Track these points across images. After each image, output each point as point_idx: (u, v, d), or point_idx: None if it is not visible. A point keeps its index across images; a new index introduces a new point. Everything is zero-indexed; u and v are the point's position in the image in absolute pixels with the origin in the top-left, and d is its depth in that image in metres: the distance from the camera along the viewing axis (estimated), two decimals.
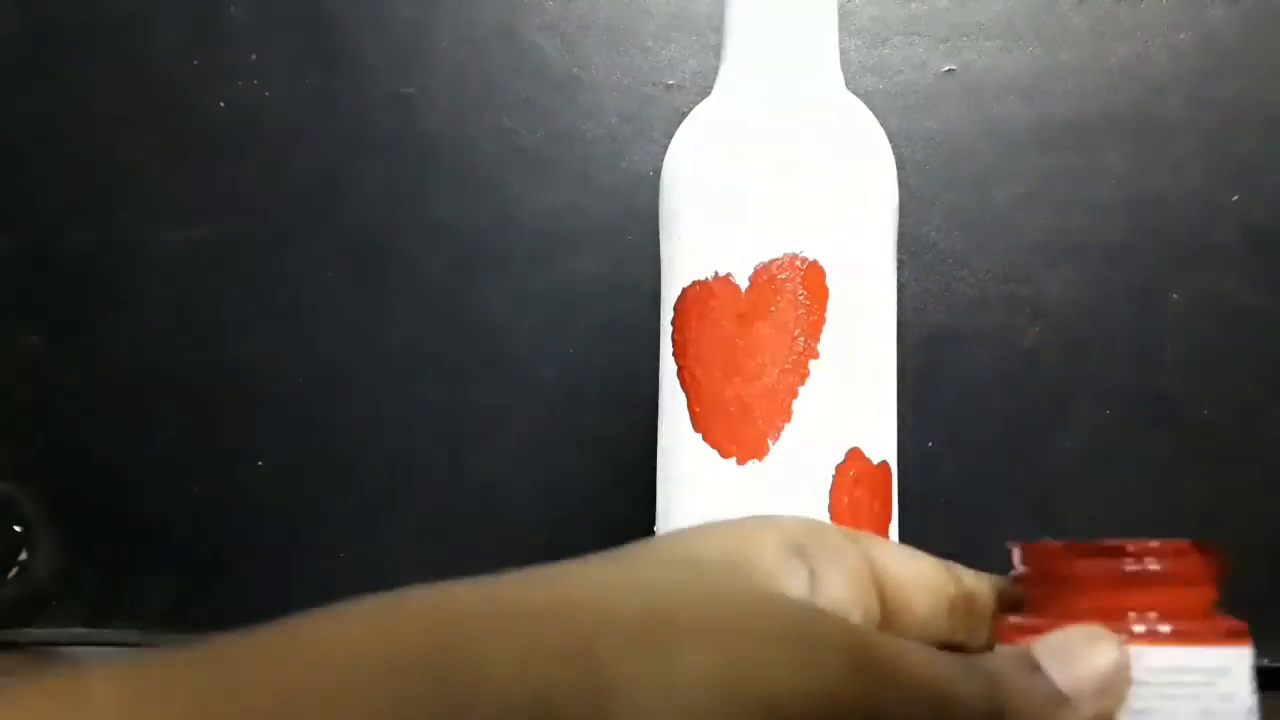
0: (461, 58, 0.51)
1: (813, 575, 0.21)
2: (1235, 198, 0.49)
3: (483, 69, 0.51)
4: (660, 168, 0.37)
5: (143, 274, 0.52)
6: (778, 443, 0.33)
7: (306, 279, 0.51)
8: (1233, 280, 0.49)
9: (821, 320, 0.33)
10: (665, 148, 0.37)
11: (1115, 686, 0.20)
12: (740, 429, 0.33)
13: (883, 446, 0.34)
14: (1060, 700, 0.19)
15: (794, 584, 0.21)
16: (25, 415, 0.52)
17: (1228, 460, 0.49)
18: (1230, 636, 0.21)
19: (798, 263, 0.33)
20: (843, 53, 0.38)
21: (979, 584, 0.23)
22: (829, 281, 0.33)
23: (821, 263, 0.33)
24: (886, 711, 0.18)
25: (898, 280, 0.37)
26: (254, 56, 0.52)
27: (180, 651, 0.17)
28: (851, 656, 0.18)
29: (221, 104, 0.52)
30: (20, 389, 0.52)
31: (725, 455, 0.33)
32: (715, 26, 0.38)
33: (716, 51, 0.37)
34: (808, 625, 0.19)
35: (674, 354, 0.35)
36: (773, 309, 0.33)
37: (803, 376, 0.33)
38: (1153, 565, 0.21)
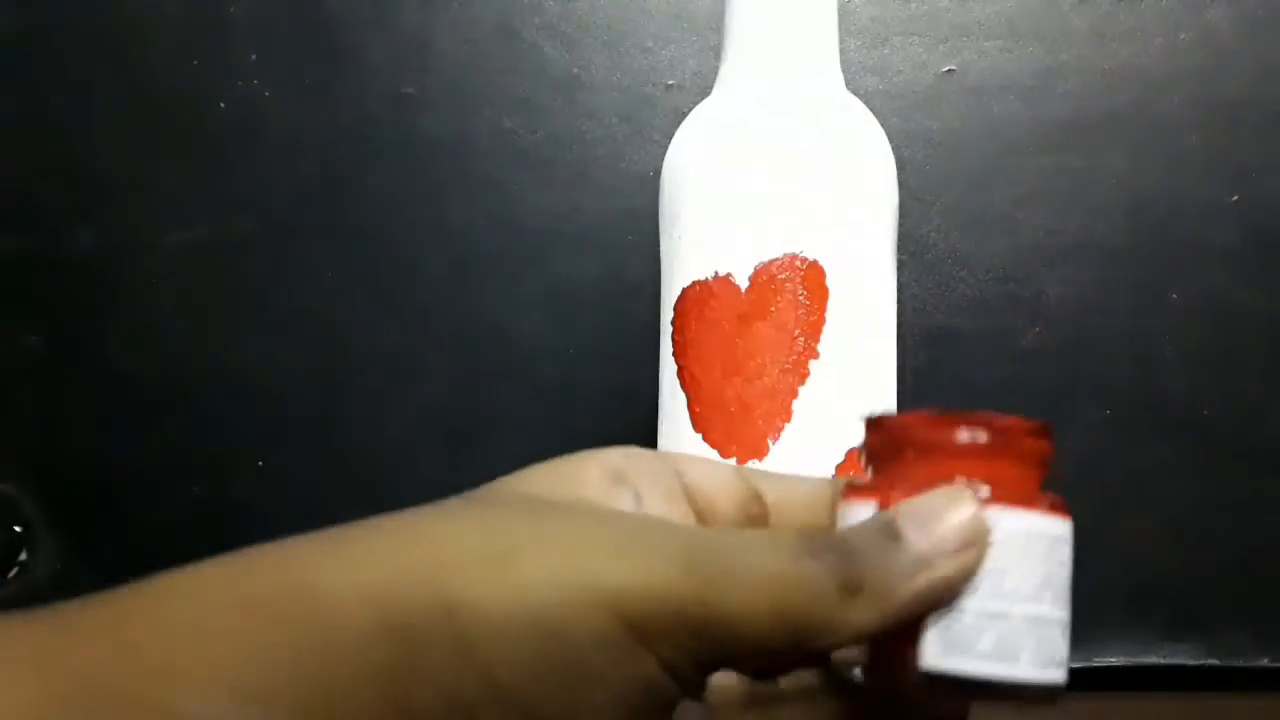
0: (461, 58, 0.51)
1: (636, 495, 0.22)
2: (1235, 198, 0.49)
3: (483, 69, 0.51)
4: (660, 168, 0.37)
5: (143, 274, 0.52)
6: (778, 443, 0.33)
7: (306, 279, 0.51)
8: (1233, 280, 0.49)
9: (821, 320, 0.33)
10: (665, 148, 0.37)
11: (975, 542, 0.20)
12: (740, 429, 0.33)
13: None
14: (921, 563, 0.20)
15: (622, 505, 0.22)
16: (25, 415, 0.52)
17: (1228, 460, 0.49)
18: (1065, 510, 0.21)
19: (798, 263, 0.33)
20: (843, 53, 0.38)
21: (773, 485, 0.24)
22: (829, 281, 0.33)
23: (821, 263, 0.33)
24: (726, 604, 0.18)
25: (898, 280, 0.37)
26: (254, 56, 0.52)
27: (36, 609, 0.17)
28: (687, 555, 0.19)
29: (221, 104, 0.52)
30: (20, 389, 0.52)
31: (725, 455, 0.33)
32: (715, 26, 0.38)
33: (716, 51, 0.37)
34: (642, 530, 0.20)
35: (674, 354, 0.35)
36: (773, 309, 0.33)
37: (803, 376, 0.33)
38: (990, 437, 0.21)
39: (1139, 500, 0.49)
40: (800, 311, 0.33)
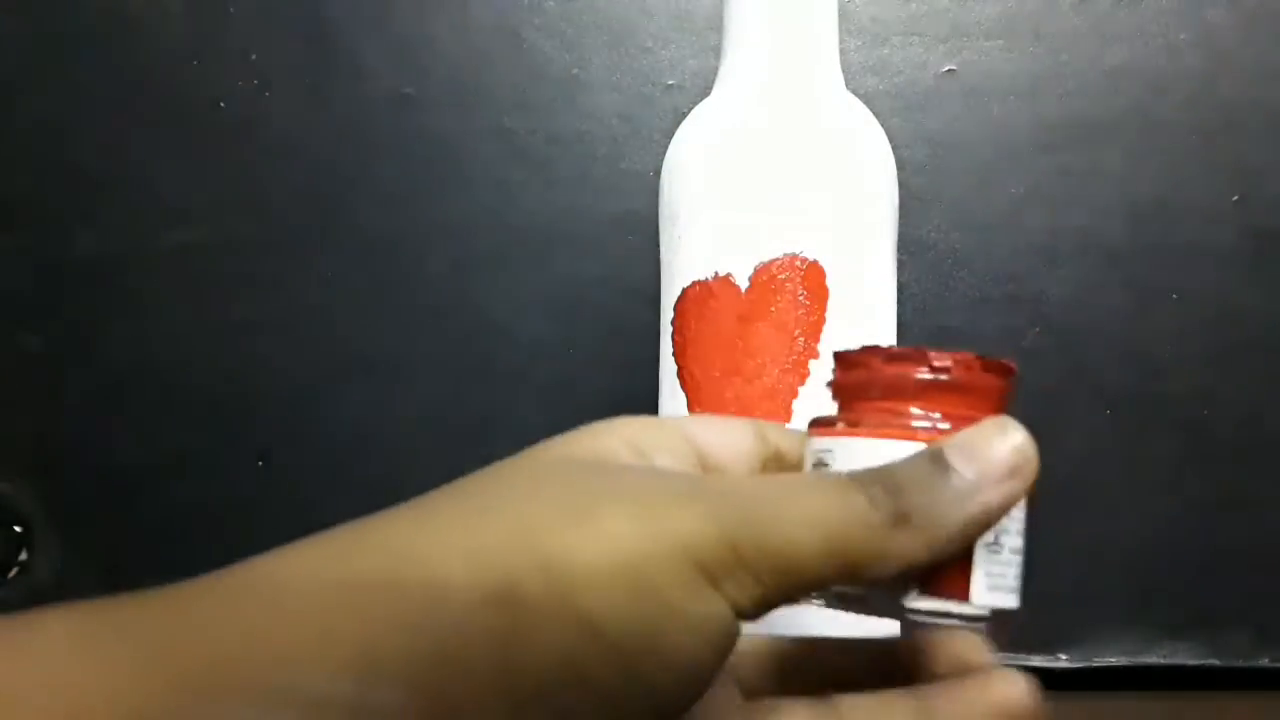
0: (461, 58, 0.51)
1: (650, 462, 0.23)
2: (1235, 198, 0.49)
3: (483, 69, 0.51)
4: (660, 168, 0.37)
5: (144, 275, 0.52)
6: None
7: (307, 279, 0.51)
8: (1233, 280, 0.49)
9: (821, 320, 0.33)
10: (665, 148, 0.37)
11: (1022, 468, 0.21)
12: None
13: None
14: (969, 491, 0.20)
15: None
16: (25, 415, 0.52)
17: (1228, 460, 0.49)
18: None
19: (798, 263, 0.33)
20: (843, 53, 0.38)
21: (785, 439, 0.25)
22: (829, 281, 0.33)
23: (821, 263, 0.33)
24: (780, 544, 0.19)
25: (898, 280, 0.37)
26: (254, 56, 0.52)
27: (138, 594, 0.18)
28: (740, 502, 0.20)
29: (221, 104, 0.52)
30: (20, 389, 0.52)
31: None
32: (715, 26, 0.38)
33: (716, 51, 0.37)
34: (699, 481, 0.22)
35: (674, 354, 0.35)
36: (773, 309, 0.33)
37: (803, 376, 0.33)
38: (951, 374, 0.22)
39: (1139, 500, 0.49)
40: (800, 311, 0.33)
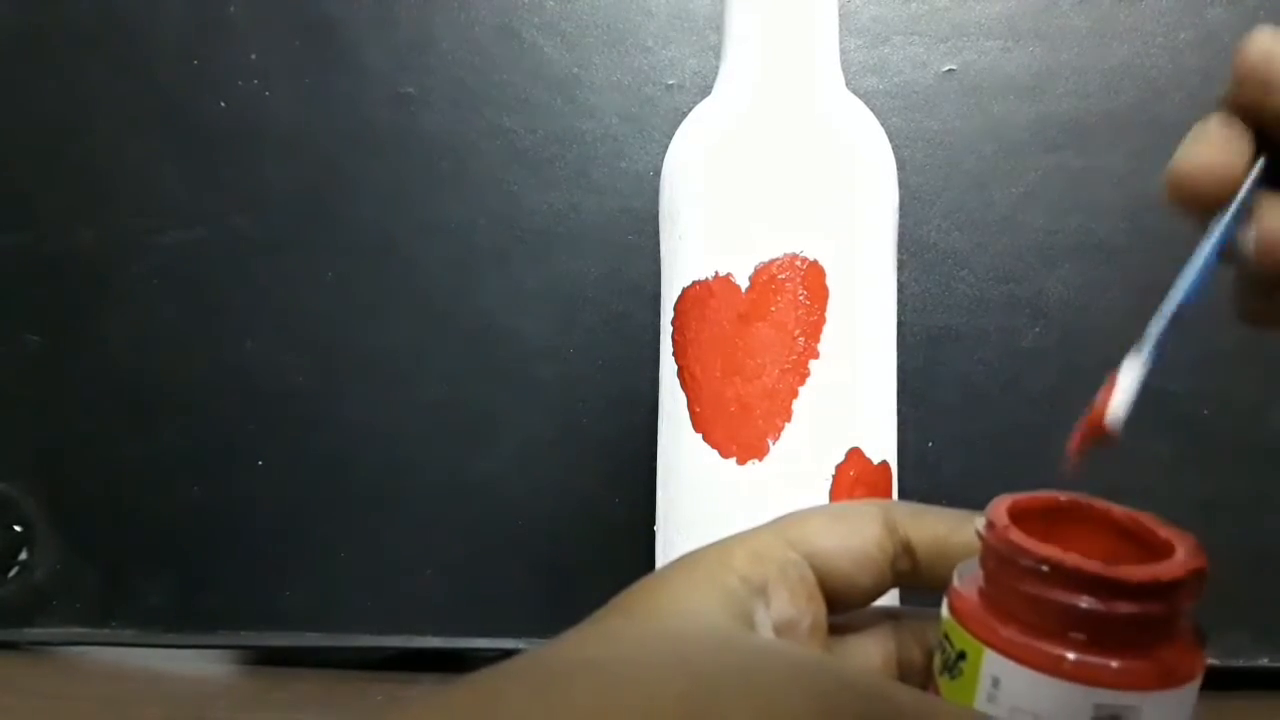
0: (461, 58, 0.51)
1: (767, 601, 0.22)
2: None
3: (483, 69, 0.51)
4: (660, 168, 0.37)
5: (143, 274, 0.52)
6: (778, 443, 0.33)
7: (306, 279, 0.51)
8: (1232, 280, 0.49)
9: (821, 320, 0.33)
10: (665, 148, 0.37)
11: None
12: (740, 429, 0.33)
13: (883, 446, 0.34)
14: None
15: (759, 619, 0.22)
16: (25, 415, 0.52)
17: (1228, 460, 0.49)
18: (1201, 662, 0.19)
19: (798, 263, 0.33)
20: (843, 53, 0.38)
21: (915, 525, 0.24)
22: (829, 281, 0.33)
23: (821, 263, 0.33)
24: None
25: (898, 280, 0.37)
26: (254, 56, 0.52)
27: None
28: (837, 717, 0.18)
29: (222, 104, 0.52)
30: (20, 389, 0.52)
31: (725, 455, 0.33)
32: (715, 26, 0.38)
33: (716, 51, 0.37)
34: (799, 687, 0.19)
35: (674, 354, 0.35)
36: (773, 309, 0.33)
37: (803, 376, 0.33)
38: (1116, 608, 0.18)
39: (1139, 500, 0.49)
40: (800, 311, 0.33)
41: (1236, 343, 0.49)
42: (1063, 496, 0.21)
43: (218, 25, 0.52)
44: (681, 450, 0.34)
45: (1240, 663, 0.48)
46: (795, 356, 0.33)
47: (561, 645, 0.20)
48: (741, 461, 0.33)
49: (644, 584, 0.23)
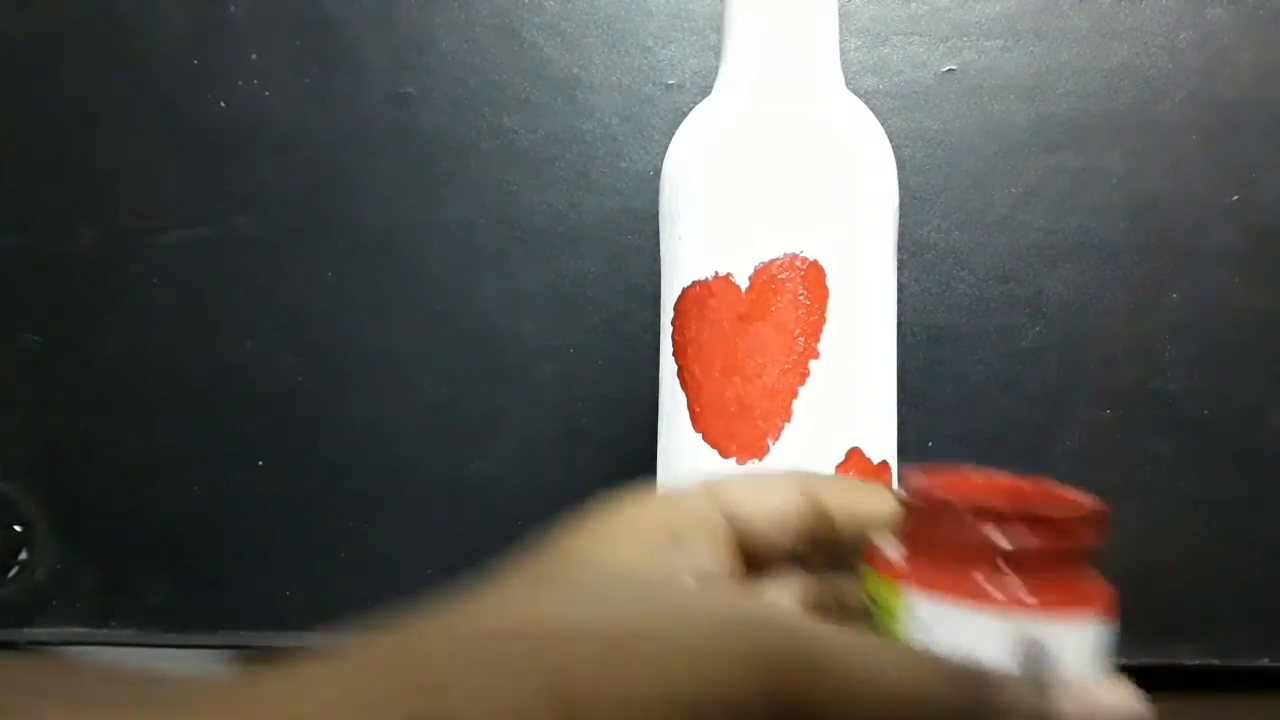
0: (461, 58, 0.51)
1: (689, 554, 0.23)
2: (1235, 198, 0.49)
3: (483, 69, 0.51)
4: (660, 168, 0.37)
5: (143, 274, 0.52)
6: (778, 443, 0.33)
7: (306, 279, 0.51)
8: (1233, 280, 0.49)
9: (821, 320, 0.33)
10: (665, 148, 0.37)
11: None
12: (740, 429, 0.33)
13: (883, 446, 0.34)
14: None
15: (677, 565, 0.23)
16: (25, 415, 0.52)
17: (1228, 460, 0.49)
18: (1111, 603, 0.21)
19: (798, 263, 0.33)
20: (843, 53, 0.38)
21: (833, 493, 0.24)
22: (829, 281, 0.33)
23: (821, 263, 0.33)
24: (812, 711, 0.18)
25: (898, 280, 0.37)
26: (254, 56, 0.52)
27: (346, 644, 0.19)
28: (762, 663, 0.19)
29: (222, 104, 0.52)
30: (20, 389, 0.52)
31: (725, 455, 0.33)
32: (715, 26, 0.38)
33: (716, 51, 0.37)
34: (722, 636, 0.19)
35: (674, 354, 0.35)
36: (773, 309, 0.33)
37: (803, 376, 0.33)
38: (1036, 541, 0.20)
39: (1139, 500, 0.49)
40: (800, 311, 0.33)
41: (1236, 343, 0.49)
42: (974, 470, 0.23)
43: (218, 25, 0.52)
44: (681, 450, 0.34)
45: (1240, 663, 0.48)
46: (795, 356, 0.33)
47: (484, 602, 0.21)
48: (741, 461, 0.33)
49: (564, 534, 0.23)
